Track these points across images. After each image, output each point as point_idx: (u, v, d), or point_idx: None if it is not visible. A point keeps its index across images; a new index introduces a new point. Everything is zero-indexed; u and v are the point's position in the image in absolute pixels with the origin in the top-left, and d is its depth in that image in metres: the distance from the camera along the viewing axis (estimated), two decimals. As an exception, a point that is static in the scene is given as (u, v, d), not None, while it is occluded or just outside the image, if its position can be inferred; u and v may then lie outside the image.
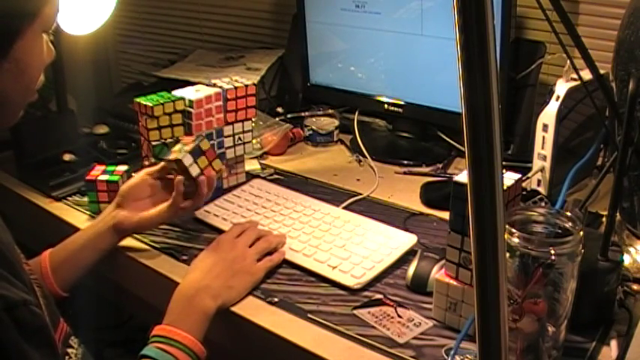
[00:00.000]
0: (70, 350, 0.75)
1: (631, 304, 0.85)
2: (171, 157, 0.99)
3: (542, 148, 1.09)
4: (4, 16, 0.67)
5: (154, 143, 1.09)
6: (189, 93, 1.12)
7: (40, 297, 0.68)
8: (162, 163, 1.02)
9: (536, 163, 1.11)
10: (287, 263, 0.97)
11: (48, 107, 1.34)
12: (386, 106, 1.40)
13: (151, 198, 1.01)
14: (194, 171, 0.99)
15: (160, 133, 1.09)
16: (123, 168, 1.14)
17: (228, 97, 1.15)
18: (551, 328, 0.75)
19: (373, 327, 0.84)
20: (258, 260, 0.94)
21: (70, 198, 1.20)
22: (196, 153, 0.99)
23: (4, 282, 0.59)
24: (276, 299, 0.89)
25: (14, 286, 0.59)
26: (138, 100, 1.09)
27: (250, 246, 0.96)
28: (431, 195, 1.16)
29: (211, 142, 1.15)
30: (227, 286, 0.88)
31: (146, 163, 1.11)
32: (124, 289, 1.07)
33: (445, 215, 0.89)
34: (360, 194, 1.19)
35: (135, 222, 0.97)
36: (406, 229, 1.03)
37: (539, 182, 1.12)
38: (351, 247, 0.98)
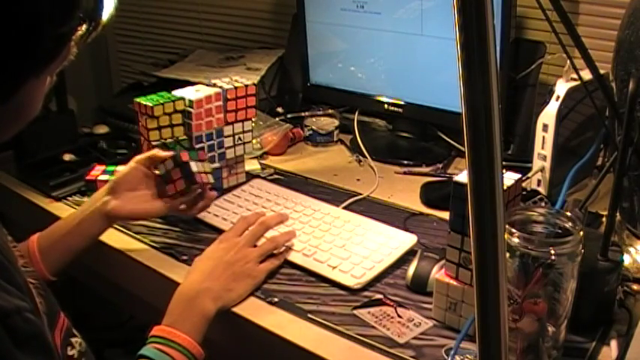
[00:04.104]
0: (73, 340, 0.74)
1: (631, 304, 0.85)
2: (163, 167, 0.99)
3: (542, 148, 1.09)
4: (13, 73, 0.59)
5: (154, 143, 1.09)
6: (189, 93, 1.12)
7: (36, 295, 0.68)
8: (152, 151, 1.00)
9: (536, 163, 1.11)
10: (287, 263, 0.97)
11: (48, 107, 1.34)
12: (386, 106, 1.40)
13: (145, 191, 1.00)
14: (194, 168, 0.99)
15: (160, 133, 1.09)
16: (123, 168, 1.14)
17: (228, 97, 1.15)
18: (551, 328, 0.75)
19: (373, 327, 0.84)
20: (262, 261, 0.94)
21: (70, 198, 1.19)
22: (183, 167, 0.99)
23: None
24: (276, 299, 0.89)
25: (8, 294, 0.58)
26: (138, 100, 1.09)
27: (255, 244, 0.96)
28: (431, 195, 1.16)
29: (211, 142, 1.15)
30: (227, 288, 0.88)
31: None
32: (124, 289, 1.07)
33: (445, 215, 0.89)
34: (360, 194, 1.19)
35: (127, 211, 0.97)
36: (406, 229, 1.03)
37: (539, 182, 1.12)
38: (351, 247, 0.98)
